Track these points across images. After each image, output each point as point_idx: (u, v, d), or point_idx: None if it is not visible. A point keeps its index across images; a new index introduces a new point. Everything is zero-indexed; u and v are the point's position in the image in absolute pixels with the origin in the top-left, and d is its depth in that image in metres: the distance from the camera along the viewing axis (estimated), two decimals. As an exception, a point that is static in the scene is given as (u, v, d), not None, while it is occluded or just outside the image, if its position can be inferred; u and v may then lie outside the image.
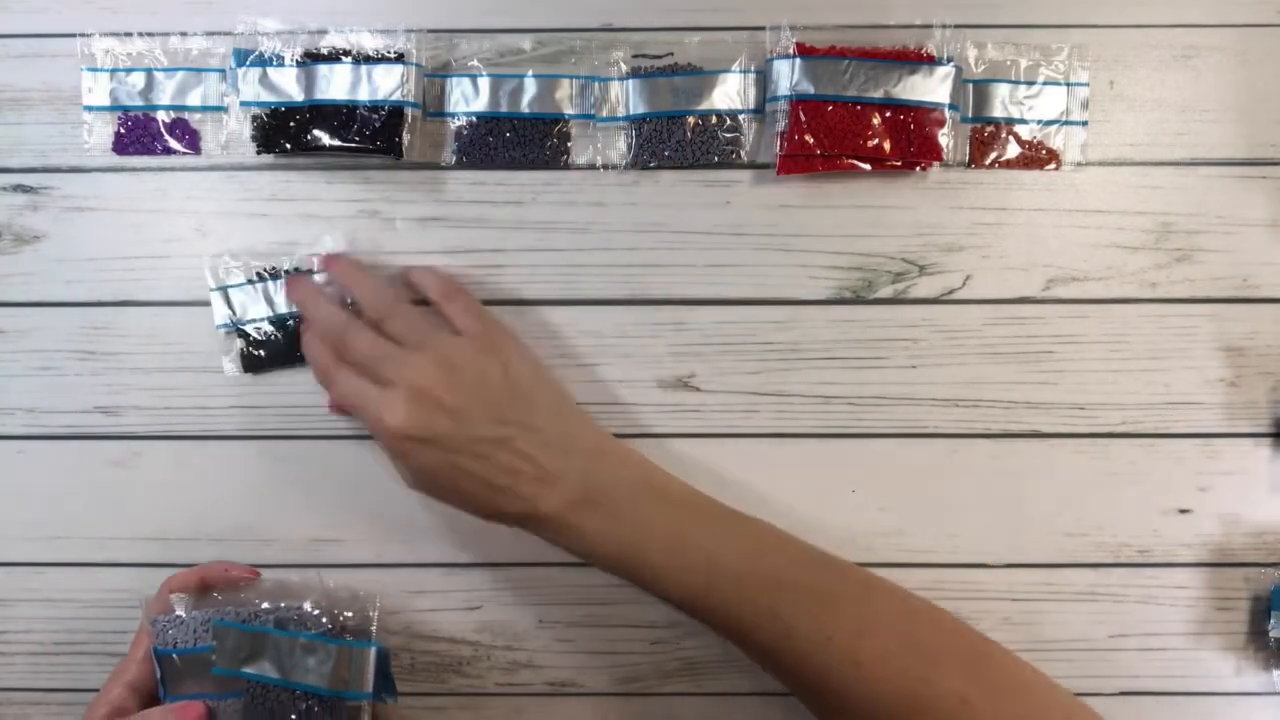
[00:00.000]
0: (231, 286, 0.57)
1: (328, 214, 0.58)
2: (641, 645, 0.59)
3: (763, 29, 0.57)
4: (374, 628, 0.50)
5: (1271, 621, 0.57)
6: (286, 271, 0.58)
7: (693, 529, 0.50)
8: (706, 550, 0.49)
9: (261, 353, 0.57)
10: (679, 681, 0.59)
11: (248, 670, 0.48)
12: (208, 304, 0.58)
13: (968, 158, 0.58)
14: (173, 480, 0.59)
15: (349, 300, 0.56)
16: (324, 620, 0.49)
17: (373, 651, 0.50)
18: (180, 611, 0.49)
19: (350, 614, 0.50)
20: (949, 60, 0.57)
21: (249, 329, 0.57)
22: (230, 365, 0.58)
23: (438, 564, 0.59)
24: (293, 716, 0.48)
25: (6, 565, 0.59)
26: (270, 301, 0.57)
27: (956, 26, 0.57)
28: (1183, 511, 0.58)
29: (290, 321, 0.57)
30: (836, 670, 0.46)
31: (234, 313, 0.57)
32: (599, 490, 0.49)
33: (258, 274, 0.57)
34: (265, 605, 0.50)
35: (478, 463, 0.48)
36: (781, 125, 0.56)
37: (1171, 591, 0.59)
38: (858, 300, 0.58)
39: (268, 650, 0.48)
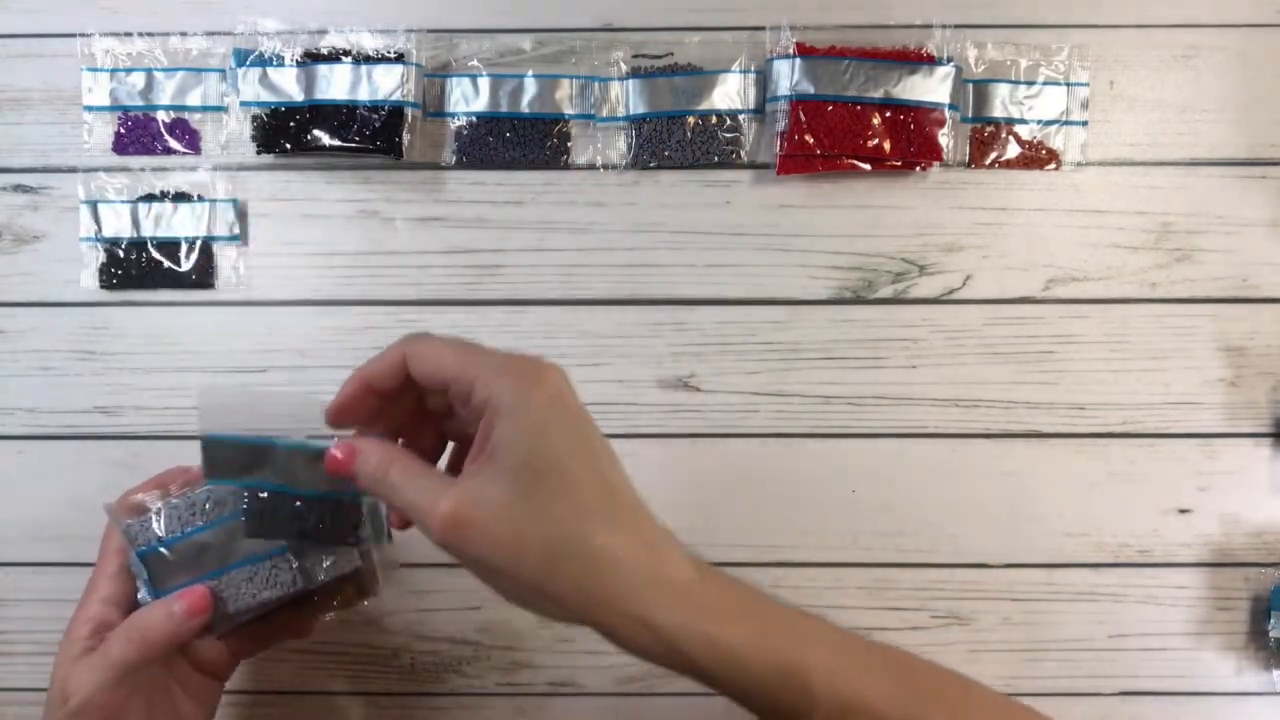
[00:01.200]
0: (102, 202, 0.58)
1: (327, 214, 0.58)
2: (641, 645, 0.59)
3: (763, 29, 0.57)
4: None
5: (1271, 621, 0.57)
6: (162, 194, 0.58)
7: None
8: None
9: (119, 271, 0.58)
10: (679, 681, 0.59)
11: (246, 479, 0.46)
12: (207, 304, 0.58)
13: (968, 158, 0.58)
14: (173, 480, 0.59)
15: None
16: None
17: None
18: (156, 505, 0.48)
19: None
20: (949, 60, 0.57)
21: (112, 247, 0.58)
22: (89, 279, 0.58)
23: (438, 564, 0.59)
24: (297, 505, 0.46)
25: (6, 565, 0.59)
26: (136, 223, 0.58)
27: (956, 26, 0.57)
28: (1183, 511, 0.58)
29: (151, 245, 0.58)
30: None
31: (99, 228, 0.58)
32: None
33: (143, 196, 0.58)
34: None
35: None
36: (781, 125, 0.56)
37: (1171, 591, 0.59)
38: (858, 300, 0.58)
39: (266, 461, 0.46)
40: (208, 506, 0.48)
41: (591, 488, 0.37)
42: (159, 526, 0.48)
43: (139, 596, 0.47)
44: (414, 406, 0.42)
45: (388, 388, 0.40)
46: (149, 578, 0.47)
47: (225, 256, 0.58)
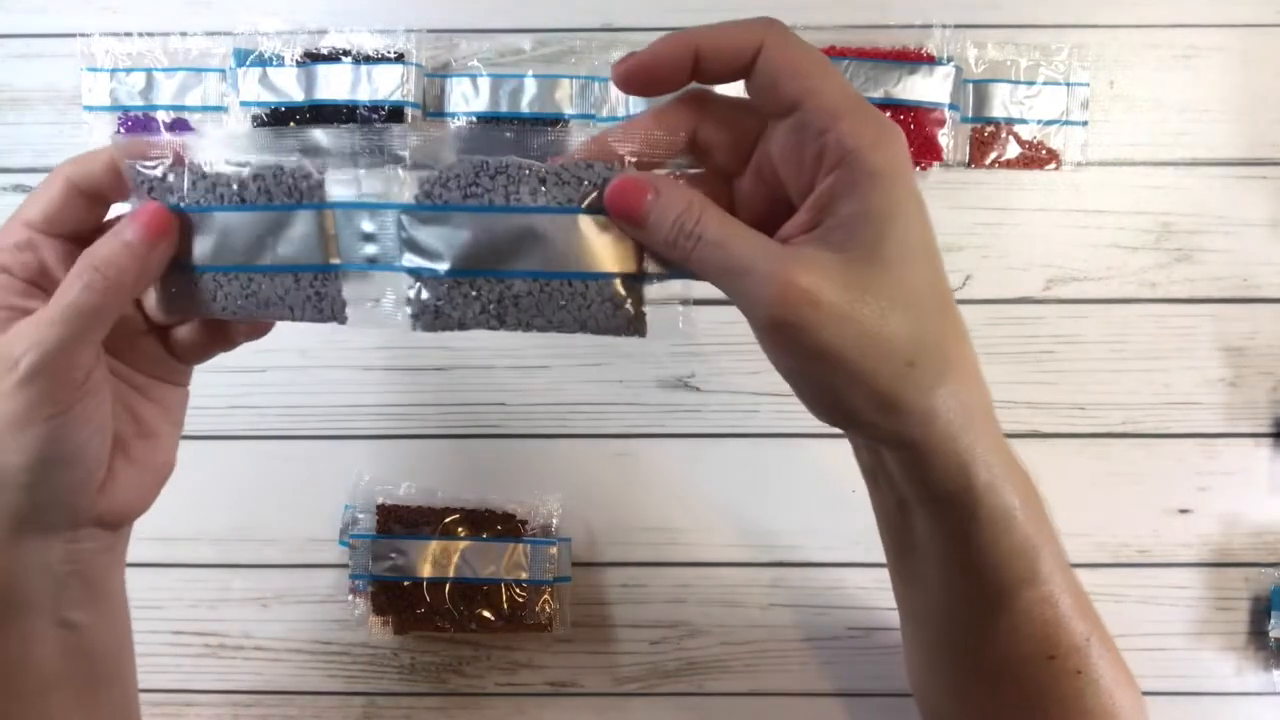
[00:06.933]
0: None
1: (328, 214, 0.58)
2: (641, 645, 0.59)
3: (763, 29, 0.57)
4: None
5: (1271, 621, 0.57)
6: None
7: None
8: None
9: None
10: (679, 681, 0.59)
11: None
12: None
13: (968, 158, 0.58)
14: (173, 480, 0.59)
15: None
16: None
17: None
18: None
19: None
20: (949, 60, 0.57)
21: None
22: None
23: (438, 564, 0.59)
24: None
25: (7, 565, 0.59)
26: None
27: (956, 26, 0.57)
28: (1183, 511, 0.58)
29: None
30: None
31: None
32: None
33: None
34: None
35: None
36: (781, 125, 0.56)
37: (1171, 591, 0.58)
38: (858, 300, 0.58)
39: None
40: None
41: (940, 293, 0.31)
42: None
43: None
44: (691, 130, 0.33)
45: (715, 68, 0.32)
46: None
47: (225, 256, 0.58)
